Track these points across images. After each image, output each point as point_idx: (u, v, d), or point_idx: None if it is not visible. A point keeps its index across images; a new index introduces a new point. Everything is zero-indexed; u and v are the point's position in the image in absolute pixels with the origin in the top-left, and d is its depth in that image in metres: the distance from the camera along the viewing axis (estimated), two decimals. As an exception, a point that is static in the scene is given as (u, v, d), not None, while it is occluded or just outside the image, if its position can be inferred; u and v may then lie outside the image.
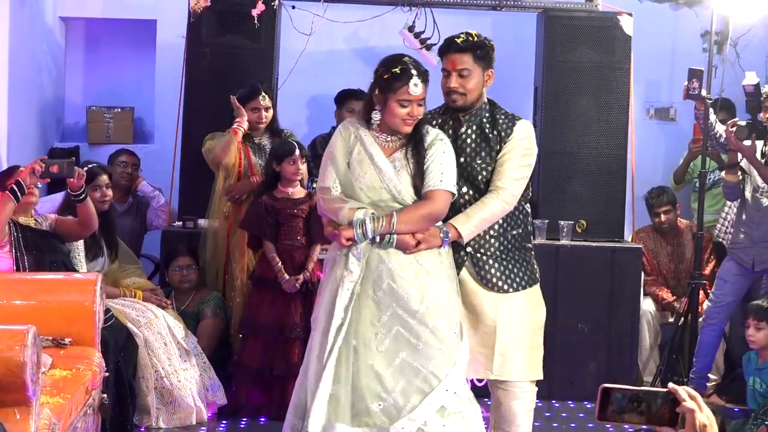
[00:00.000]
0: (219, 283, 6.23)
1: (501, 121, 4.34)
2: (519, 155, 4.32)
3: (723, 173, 6.48)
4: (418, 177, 4.17)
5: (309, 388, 4.15)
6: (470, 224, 4.23)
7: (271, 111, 6.26)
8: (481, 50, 4.33)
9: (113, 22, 7.99)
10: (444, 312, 4.14)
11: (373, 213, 4.10)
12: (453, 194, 4.21)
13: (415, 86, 4.09)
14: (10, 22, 6.44)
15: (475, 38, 4.33)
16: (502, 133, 4.32)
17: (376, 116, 4.18)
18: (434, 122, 4.38)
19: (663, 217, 7.03)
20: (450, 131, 4.37)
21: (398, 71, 4.10)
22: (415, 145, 4.20)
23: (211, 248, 6.24)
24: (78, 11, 7.93)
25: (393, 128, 4.18)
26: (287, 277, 5.77)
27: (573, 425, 5.96)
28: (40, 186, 5.46)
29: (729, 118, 6.61)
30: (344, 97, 7.16)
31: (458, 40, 4.33)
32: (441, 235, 4.17)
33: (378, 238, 4.09)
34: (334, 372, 4.09)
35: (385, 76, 4.12)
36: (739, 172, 6.36)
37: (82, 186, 5.29)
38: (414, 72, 4.11)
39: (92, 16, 7.96)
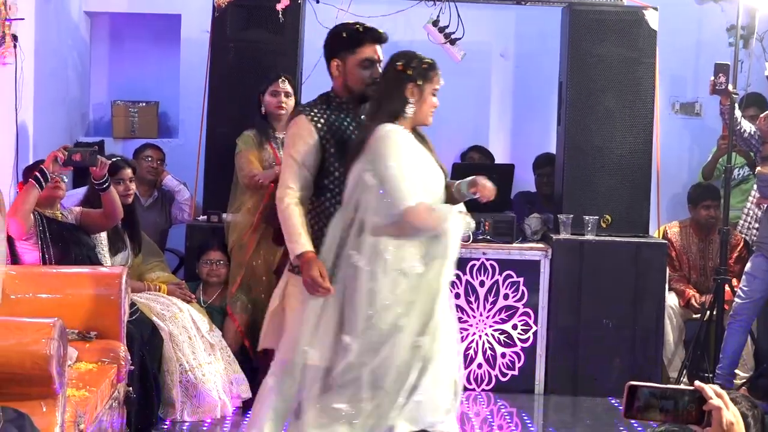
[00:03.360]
0: (244, 277, 6.19)
1: None
2: None
3: (759, 167, 6.40)
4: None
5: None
6: None
7: (292, 99, 6.19)
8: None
9: (138, 16, 8.01)
10: None
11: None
12: None
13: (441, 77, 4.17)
14: (36, 17, 6.46)
15: None
16: None
17: (410, 109, 4.13)
18: (323, 114, 4.46)
19: (705, 212, 6.94)
20: (352, 118, 4.44)
21: (431, 61, 4.16)
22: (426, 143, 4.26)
23: (233, 242, 6.21)
24: (103, 6, 7.95)
25: (421, 121, 4.18)
26: None
27: (598, 421, 5.94)
28: (66, 180, 5.49)
29: (760, 112, 6.55)
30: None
31: (380, 31, 4.42)
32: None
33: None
34: None
35: (423, 66, 4.13)
36: None
37: (105, 175, 5.31)
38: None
39: (117, 11, 7.98)
